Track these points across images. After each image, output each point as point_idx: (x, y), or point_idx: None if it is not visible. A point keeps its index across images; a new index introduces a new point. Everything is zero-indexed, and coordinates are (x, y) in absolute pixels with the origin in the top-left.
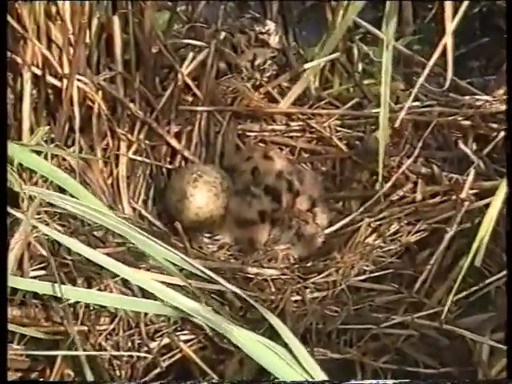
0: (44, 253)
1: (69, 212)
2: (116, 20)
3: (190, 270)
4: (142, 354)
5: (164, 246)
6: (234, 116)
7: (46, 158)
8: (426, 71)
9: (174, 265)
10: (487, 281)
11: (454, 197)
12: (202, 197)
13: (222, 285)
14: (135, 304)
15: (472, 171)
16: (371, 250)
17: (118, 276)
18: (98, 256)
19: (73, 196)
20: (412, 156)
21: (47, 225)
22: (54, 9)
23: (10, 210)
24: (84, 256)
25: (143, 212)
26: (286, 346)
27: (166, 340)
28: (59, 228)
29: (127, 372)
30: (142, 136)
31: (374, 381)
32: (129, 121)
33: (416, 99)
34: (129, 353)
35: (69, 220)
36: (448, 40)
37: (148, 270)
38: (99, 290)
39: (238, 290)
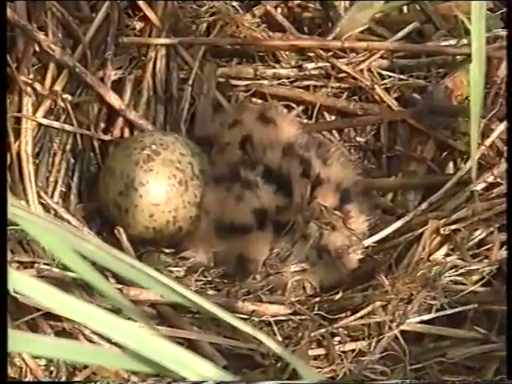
0: None
1: None
2: None
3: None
4: None
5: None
6: (212, 53)
7: None
8: None
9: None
10: None
11: None
12: (160, 187)
13: (193, 332)
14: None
15: None
16: (441, 271)
17: None
18: None
19: None
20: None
21: None
22: None
23: None
24: None
25: (61, 212)
26: None
27: None
28: None
29: None
30: (58, 87)
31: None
32: (37, 62)
33: None
34: None
35: None
36: None
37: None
38: None
39: (220, 340)
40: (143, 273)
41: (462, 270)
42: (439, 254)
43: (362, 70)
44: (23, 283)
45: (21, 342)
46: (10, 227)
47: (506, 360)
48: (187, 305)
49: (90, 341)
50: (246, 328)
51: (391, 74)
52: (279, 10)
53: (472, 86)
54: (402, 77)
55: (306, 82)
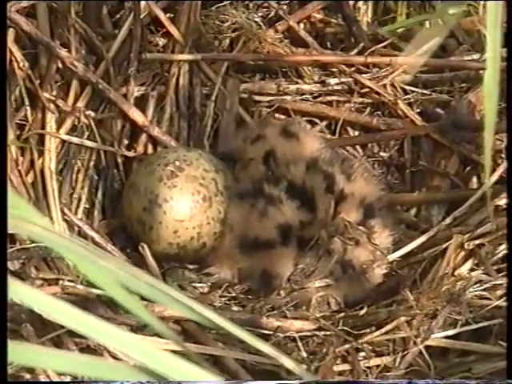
0: None
1: None
2: None
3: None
4: None
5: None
6: (235, 69)
7: None
8: None
9: None
10: None
11: None
12: (184, 203)
13: (217, 348)
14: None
15: None
16: (466, 286)
17: None
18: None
19: None
20: None
21: None
22: None
23: None
24: None
25: (84, 228)
26: None
27: None
28: None
29: None
30: (81, 103)
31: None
32: (60, 78)
33: None
34: None
35: None
36: None
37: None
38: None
39: (245, 356)
40: (163, 292)
41: (487, 285)
42: (464, 269)
43: (385, 85)
44: (23, 292)
45: (45, 358)
46: (34, 244)
47: (506, 360)
48: (207, 324)
49: (115, 357)
50: (265, 348)
51: (414, 88)
52: (302, 25)
53: (486, 96)
54: (425, 91)
55: (329, 98)
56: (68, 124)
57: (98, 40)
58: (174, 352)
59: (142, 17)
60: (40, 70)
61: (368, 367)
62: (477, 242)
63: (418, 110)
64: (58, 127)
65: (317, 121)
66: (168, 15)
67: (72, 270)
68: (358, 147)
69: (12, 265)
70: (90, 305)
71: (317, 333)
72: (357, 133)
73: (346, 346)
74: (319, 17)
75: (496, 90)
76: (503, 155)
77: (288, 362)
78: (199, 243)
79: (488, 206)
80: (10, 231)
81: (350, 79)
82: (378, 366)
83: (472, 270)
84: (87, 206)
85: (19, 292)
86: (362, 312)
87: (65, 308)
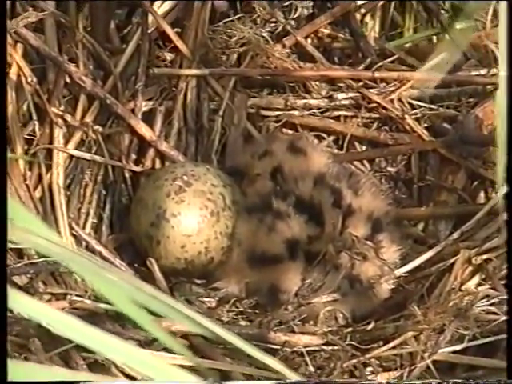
0: None
1: None
2: None
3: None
4: None
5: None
6: (242, 84)
7: None
8: None
9: None
10: None
11: None
12: (192, 217)
13: (225, 363)
14: None
15: None
16: (473, 301)
17: None
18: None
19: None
20: None
21: None
22: None
23: None
24: None
25: (92, 243)
26: None
27: None
28: None
29: None
30: (89, 118)
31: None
32: (68, 93)
33: None
34: None
35: None
36: None
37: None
38: None
39: (252, 371)
40: (169, 306)
41: (494, 300)
42: (471, 284)
43: (392, 100)
44: (30, 306)
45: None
46: (42, 259)
47: (506, 360)
48: (214, 338)
49: (123, 372)
50: (272, 363)
51: (422, 103)
52: (309, 40)
53: (498, 113)
54: (432, 106)
55: (336, 113)
56: (76, 139)
57: (105, 55)
58: (181, 366)
59: (149, 32)
60: (48, 84)
61: None
62: (484, 256)
63: (426, 125)
64: (66, 142)
65: (324, 136)
66: (176, 30)
67: (80, 285)
68: (365, 162)
69: (20, 279)
70: (97, 319)
71: (324, 347)
72: (364, 148)
73: (354, 360)
74: (327, 32)
75: (507, 107)
76: None
77: (291, 375)
78: (207, 258)
79: (500, 219)
80: (17, 245)
81: (358, 94)
82: (386, 381)
83: (479, 284)
84: (95, 221)
85: (26, 306)
86: (370, 327)
87: (72, 322)
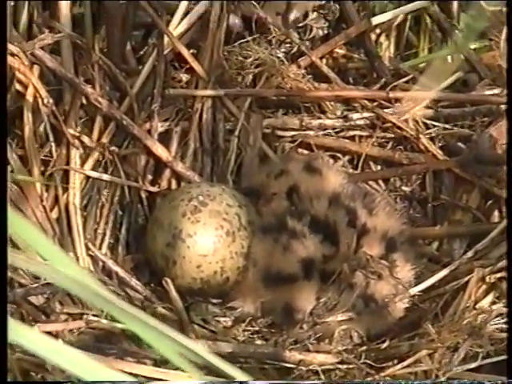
0: None
1: None
2: None
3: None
4: None
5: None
6: (258, 104)
7: None
8: None
9: None
10: None
11: None
12: (207, 238)
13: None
14: None
15: None
16: (487, 319)
17: None
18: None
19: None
20: None
21: None
22: None
23: None
24: None
25: (109, 263)
26: None
27: None
28: None
29: None
30: (105, 139)
31: None
32: (85, 115)
33: None
34: None
35: None
36: None
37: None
38: None
39: None
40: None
41: (509, 318)
42: (485, 302)
43: (407, 120)
44: (23, 334)
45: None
46: None
47: (506, 360)
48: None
49: None
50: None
51: (436, 123)
52: (324, 60)
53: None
54: (446, 126)
55: (351, 132)
56: (92, 160)
57: (121, 76)
58: None
59: (165, 53)
60: (64, 106)
61: None
62: (498, 275)
63: (440, 145)
64: (83, 163)
65: (339, 155)
66: (191, 51)
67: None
68: (380, 181)
69: (37, 300)
70: (114, 339)
71: (339, 366)
72: (379, 167)
73: (369, 379)
74: (342, 52)
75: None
76: None
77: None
78: (222, 278)
79: None
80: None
81: (373, 114)
82: None
83: (493, 303)
84: (111, 241)
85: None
86: (384, 345)
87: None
